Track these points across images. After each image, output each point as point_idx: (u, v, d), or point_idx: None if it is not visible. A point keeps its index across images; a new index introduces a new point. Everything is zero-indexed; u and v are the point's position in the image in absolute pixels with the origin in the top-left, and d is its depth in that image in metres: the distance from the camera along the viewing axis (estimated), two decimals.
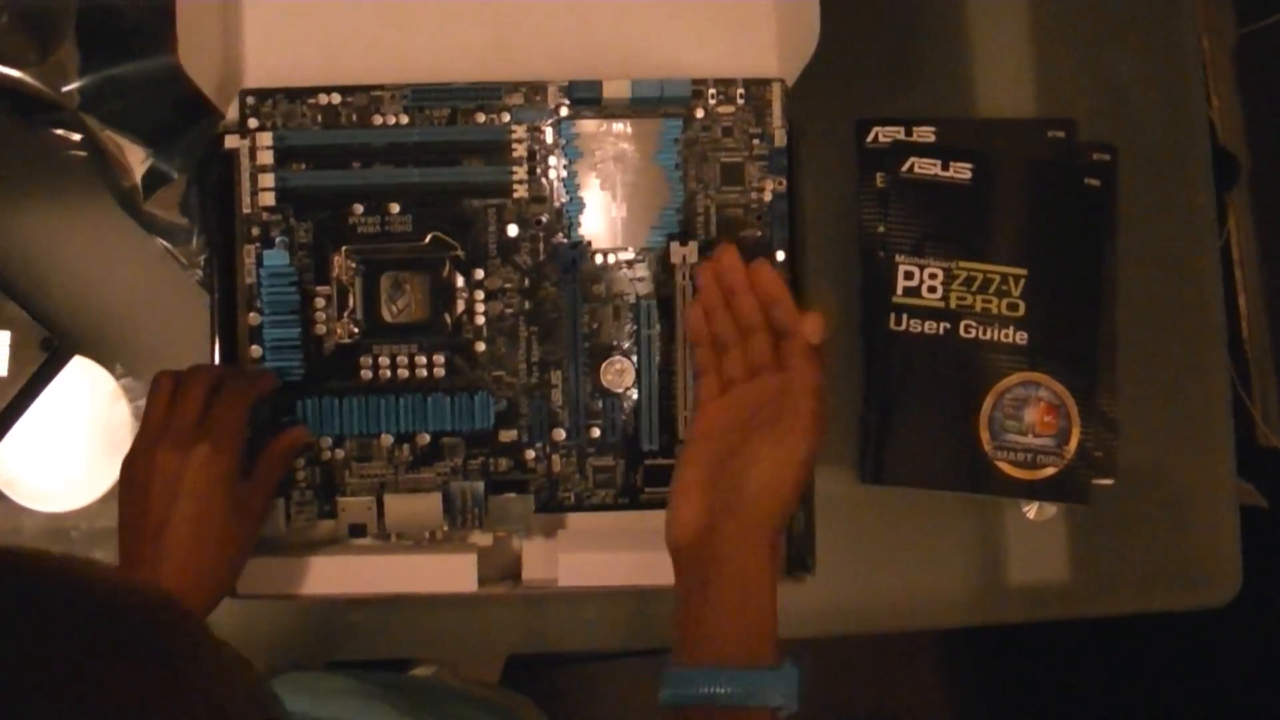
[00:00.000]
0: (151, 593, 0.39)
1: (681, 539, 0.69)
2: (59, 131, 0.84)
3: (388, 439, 0.78)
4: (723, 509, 0.68)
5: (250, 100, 0.77)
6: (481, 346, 0.78)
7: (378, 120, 0.78)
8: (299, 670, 0.79)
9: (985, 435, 0.85)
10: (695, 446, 0.70)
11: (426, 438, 0.78)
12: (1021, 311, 0.85)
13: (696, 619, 0.67)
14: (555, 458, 0.79)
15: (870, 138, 0.87)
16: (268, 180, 0.77)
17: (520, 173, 0.78)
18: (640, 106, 0.79)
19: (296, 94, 0.77)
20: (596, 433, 0.79)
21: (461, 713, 0.79)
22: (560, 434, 0.78)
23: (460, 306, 0.78)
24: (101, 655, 0.34)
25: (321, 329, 0.78)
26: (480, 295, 0.78)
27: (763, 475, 0.67)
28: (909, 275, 0.85)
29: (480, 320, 0.78)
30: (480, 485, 0.77)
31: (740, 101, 0.79)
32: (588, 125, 0.78)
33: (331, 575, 0.76)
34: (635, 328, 0.79)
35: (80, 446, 0.85)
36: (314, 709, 0.70)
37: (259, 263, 0.77)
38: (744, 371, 0.70)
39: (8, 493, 0.84)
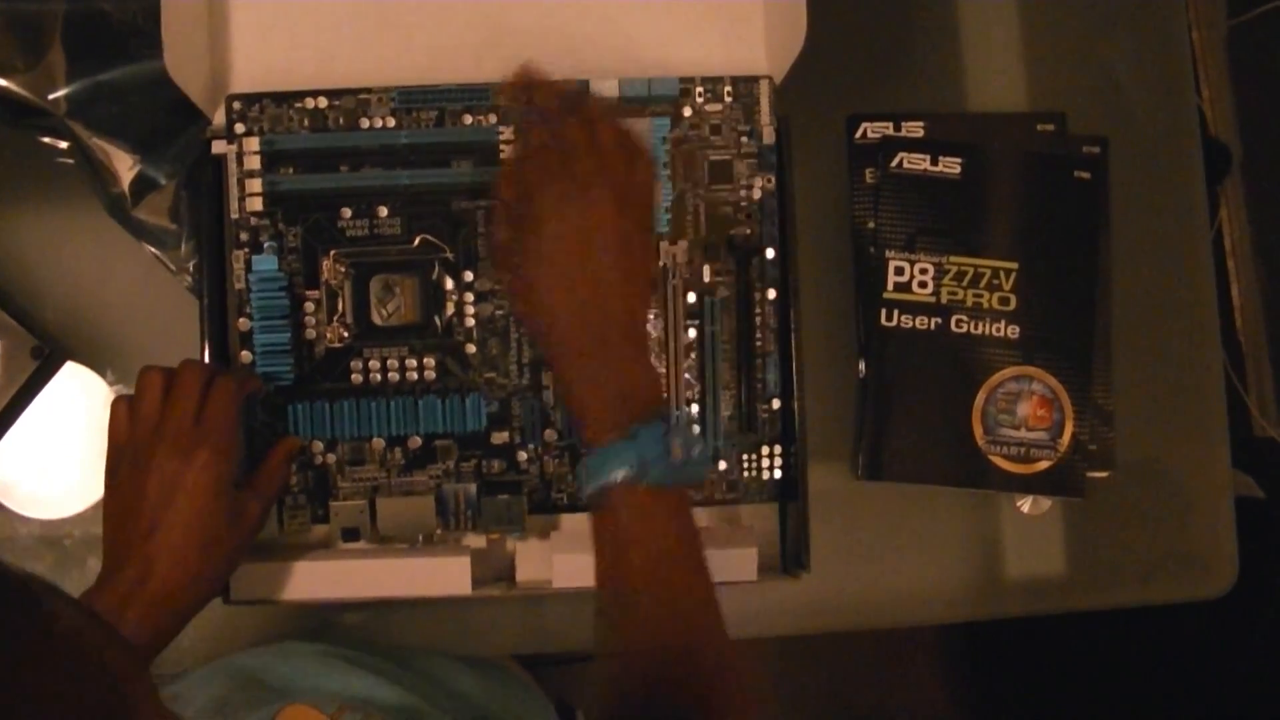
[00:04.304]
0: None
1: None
2: (46, 139, 0.84)
3: (380, 442, 0.78)
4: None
5: (237, 105, 0.77)
6: (472, 348, 0.78)
7: (365, 123, 0.77)
8: (285, 642, 0.79)
9: (979, 430, 0.85)
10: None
11: (419, 440, 0.78)
12: (1013, 305, 0.85)
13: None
14: (548, 459, 0.79)
15: (859, 133, 0.87)
16: (256, 185, 0.77)
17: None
18: (628, 105, 0.78)
19: (283, 98, 0.77)
20: None
21: (450, 674, 0.79)
22: (552, 435, 0.78)
23: (450, 309, 0.78)
24: None
25: (312, 333, 0.77)
26: (470, 297, 0.78)
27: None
28: (899, 271, 0.85)
29: (470, 322, 0.78)
30: (473, 487, 0.77)
31: (728, 99, 0.79)
32: None
33: (325, 580, 0.76)
34: None
35: (74, 453, 0.84)
36: (300, 677, 0.70)
37: (248, 268, 0.77)
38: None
39: (3, 500, 0.84)
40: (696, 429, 0.73)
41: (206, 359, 0.76)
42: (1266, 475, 1.48)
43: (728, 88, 0.79)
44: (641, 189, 0.69)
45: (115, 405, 0.71)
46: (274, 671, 0.71)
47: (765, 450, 0.79)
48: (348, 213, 0.77)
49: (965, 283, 0.85)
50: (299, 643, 0.78)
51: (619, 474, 0.64)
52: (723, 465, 0.79)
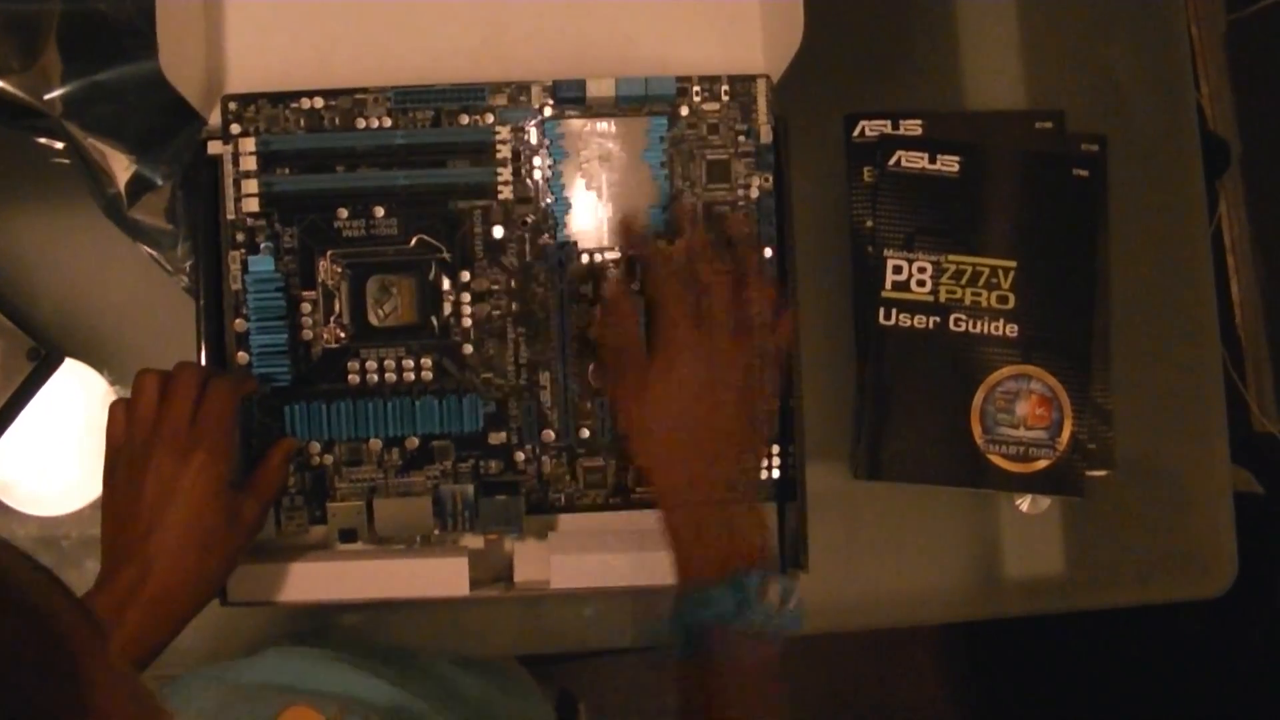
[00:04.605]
0: None
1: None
2: (42, 139, 0.83)
3: (377, 443, 0.77)
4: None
5: (233, 106, 0.77)
6: (469, 349, 0.78)
7: (361, 123, 0.77)
8: (285, 645, 0.79)
9: (978, 429, 0.85)
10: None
11: (416, 441, 0.78)
12: (1011, 304, 0.85)
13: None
14: (545, 459, 0.78)
15: (857, 132, 0.87)
16: (252, 186, 0.77)
17: (505, 174, 0.78)
18: (625, 105, 0.78)
19: (279, 98, 0.77)
20: (586, 433, 0.78)
21: (450, 674, 0.79)
22: (550, 435, 0.78)
23: (447, 309, 0.78)
24: None
25: (309, 334, 0.77)
26: (467, 297, 0.78)
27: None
28: (898, 270, 0.85)
29: (468, 322, 0.78)
30: (470, 488, 0.77)
31: (725, 98, 0.79)
32: (573, 125, 0.78)
33: (323, 581, 0.76)
34: None
35: (73, 450, 0.84)
36: (299, 680, 0.70)
37: (245, 268, 0.77)
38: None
39: (3, 498, 0.83)
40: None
41: (203, 360, 0.76)
42: (1266, 471, 1.48)
43: (725, 87, 0.79)
44: (777, 353, 0.73)
45: (113, 407, 0.71)
46: (274, 674, 0.71)
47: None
48: (344, 213, 0.77)
49: (963, 281, 0.85)
50: (299, 646, 0.78)
51: (714, 614, 0.66)
52: None
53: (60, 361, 0.83)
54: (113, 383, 0.85)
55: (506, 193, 0.78)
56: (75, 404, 0.84)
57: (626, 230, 0.77)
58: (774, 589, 0.66)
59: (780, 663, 0.67)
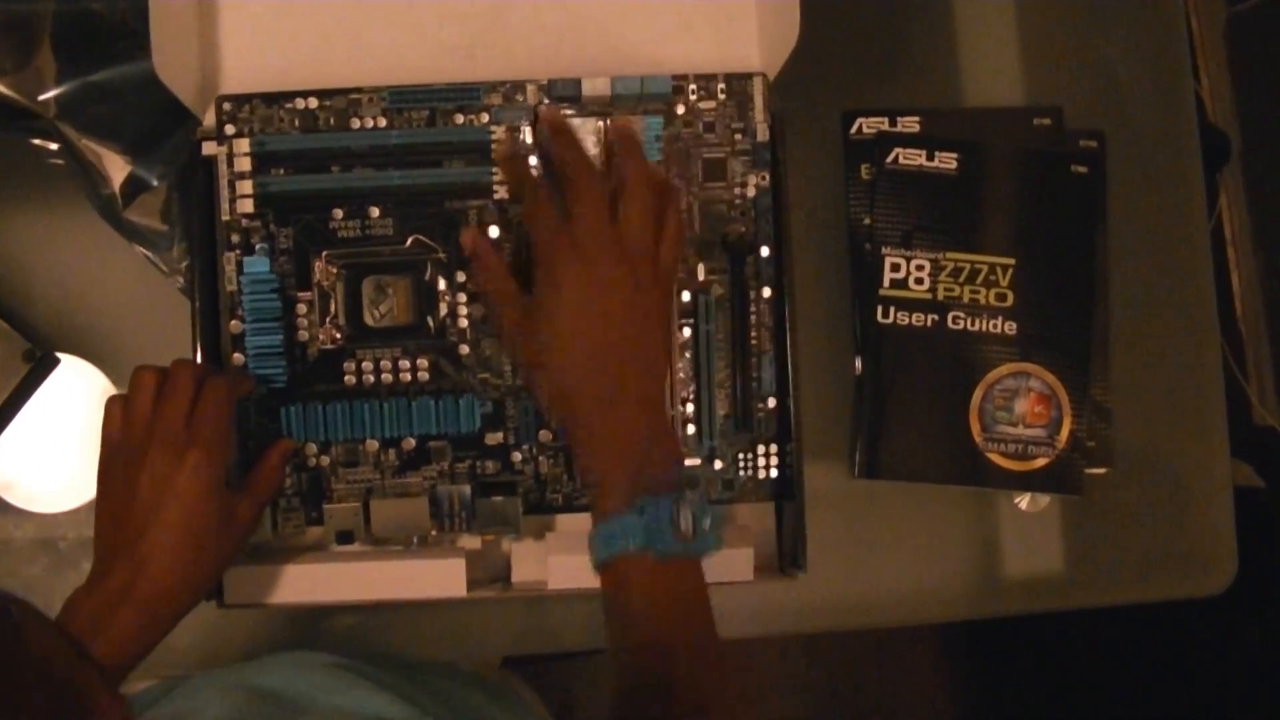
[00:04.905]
0: None
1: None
2: (37, 141, 0.83)
3: (374, 444, 0.77)
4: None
5: (227, 106, 0.76)
6: (466, 349, 0.77)
7: (356, 123, 0.77)
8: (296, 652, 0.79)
9: (976, 427, 0.84)
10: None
11: (413, 442, 0.77)
12: (1010, 301, 0.85)
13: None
14: (542, 459, 0.78)
15: (855, 129, 0.87)
16: (247, 186, 0.76)
17: (501, 173, 0.77)
18: (621, 104, 0.78)
19: (274, 99, 0.77)
20: None
21: (448, 688, 0.79)
22: (547, 435, 0.78)
23: (444, 309, 0.77)
24: None
25: (304, 335, 0.77)
26: (463, 298, 0.77)
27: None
28: (895, 267, 0.85)
29: (464, 323, 0.77)
30: (468, 489, 0.77)
31: (722, 96, 0.78)
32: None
33: (320, 583, 0.76)
34: None
35: (73, 448, 0.84)
36: (311, 691, 0.70)
37: (240, 269, 0.76)
38: None
39: (4, 495, 0.83)
40: (709, 503, 0.72)
41: (198, 361, 0.76)
42: (1267, 465, 1.47)
43: (721, 85, 0.78)
44: (665, 263, 0.71)
45: (110, 404, 0.71)
46: (289, 686, 0.70)
47: (761, 449, 0.79)
48: (339, 214, 0.77)
49: (962, 279, 0.85)
50: (311, 653, 0.77)
51: (625, 548, 0.65)
52: (719, 465, 0.79)
53: (55, 364, 0.83)
54: (113, 382, 0.84)
55: (502, 193, 0.77)
56: (75, 401, 0.84)
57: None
58: (685, 514, 0.65)
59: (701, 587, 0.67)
